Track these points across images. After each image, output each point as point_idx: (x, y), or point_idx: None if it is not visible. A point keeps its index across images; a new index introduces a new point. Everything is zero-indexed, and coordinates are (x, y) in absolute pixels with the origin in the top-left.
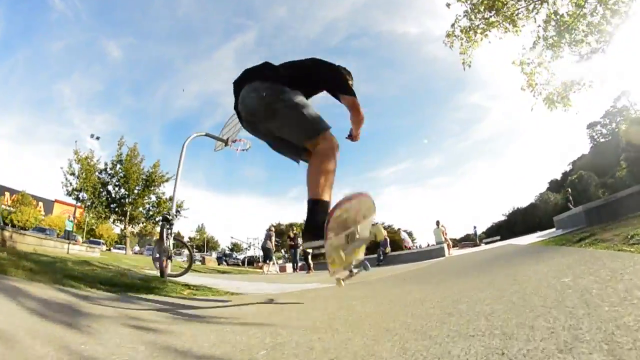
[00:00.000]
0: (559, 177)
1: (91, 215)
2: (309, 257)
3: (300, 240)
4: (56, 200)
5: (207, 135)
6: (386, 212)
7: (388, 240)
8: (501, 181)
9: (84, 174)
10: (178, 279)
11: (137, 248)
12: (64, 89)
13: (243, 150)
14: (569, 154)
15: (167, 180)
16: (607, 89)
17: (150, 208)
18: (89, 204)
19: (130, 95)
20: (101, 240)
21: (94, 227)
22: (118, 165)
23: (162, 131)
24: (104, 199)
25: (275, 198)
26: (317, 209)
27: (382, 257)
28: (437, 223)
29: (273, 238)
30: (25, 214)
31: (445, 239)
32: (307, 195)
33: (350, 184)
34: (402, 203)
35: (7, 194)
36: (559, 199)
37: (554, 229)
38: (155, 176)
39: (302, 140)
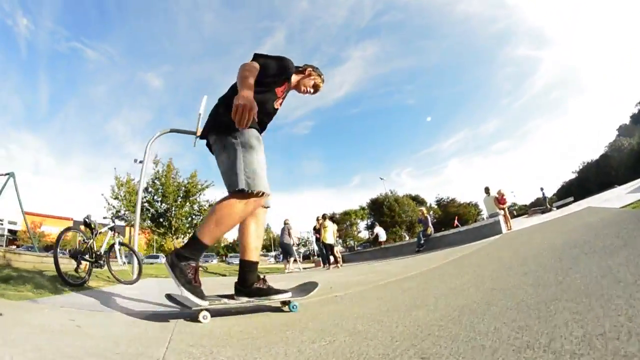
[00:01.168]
0: (627, 121)
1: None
2: (334, 249)
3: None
4: (126, 225)
5: (172, 131)
6: (449, 186)
7: (429, 219)
8: (565, 136)
9: (126, 196)
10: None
11: None
12: (116, 126)
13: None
14: (634, 94)
15: (205, 188)
16: None
17: (194, 217)
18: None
19: (178, 117)
20: (160, 254)
21: (162, 243)
22: (157, 182)
23: None
24: (149, 215)
25: (339, 188)
26: (192, 245)
27: (422, 242)
28: (487, 190)
29: (292, 231)
30: (98, 241)
31: (501, 208)
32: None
33: (412, 163)
34: (465, 174)
35: (81, 227)
36: (634, 144)
37: None
38: (191, 186)
39: (226, 181)
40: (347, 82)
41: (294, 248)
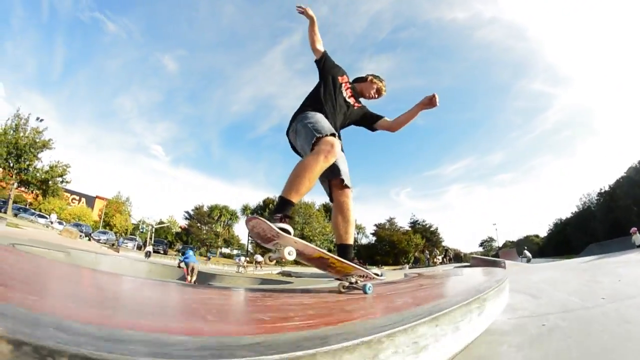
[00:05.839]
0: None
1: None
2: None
3: None
4: (97, 197)
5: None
6: (449, 211)
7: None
8: (571, 177)
9: None
10: None
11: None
12: (124, 102)
13: None
14: None
15: (41, 146)
16: None
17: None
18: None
19: (187, 103)
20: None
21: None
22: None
23: (221, 135)
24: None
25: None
26: (280, 203)
27: None
28: None
29: None
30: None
31: None
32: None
33: (413, 182)
34: (464, 201)
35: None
36: None
37: None
38: (19, 139)
39: (306, 149)
40: None
41: None
